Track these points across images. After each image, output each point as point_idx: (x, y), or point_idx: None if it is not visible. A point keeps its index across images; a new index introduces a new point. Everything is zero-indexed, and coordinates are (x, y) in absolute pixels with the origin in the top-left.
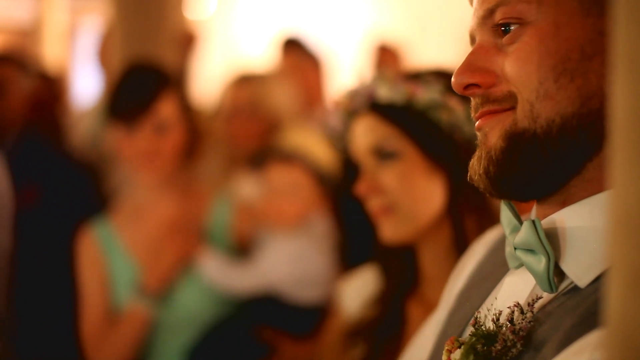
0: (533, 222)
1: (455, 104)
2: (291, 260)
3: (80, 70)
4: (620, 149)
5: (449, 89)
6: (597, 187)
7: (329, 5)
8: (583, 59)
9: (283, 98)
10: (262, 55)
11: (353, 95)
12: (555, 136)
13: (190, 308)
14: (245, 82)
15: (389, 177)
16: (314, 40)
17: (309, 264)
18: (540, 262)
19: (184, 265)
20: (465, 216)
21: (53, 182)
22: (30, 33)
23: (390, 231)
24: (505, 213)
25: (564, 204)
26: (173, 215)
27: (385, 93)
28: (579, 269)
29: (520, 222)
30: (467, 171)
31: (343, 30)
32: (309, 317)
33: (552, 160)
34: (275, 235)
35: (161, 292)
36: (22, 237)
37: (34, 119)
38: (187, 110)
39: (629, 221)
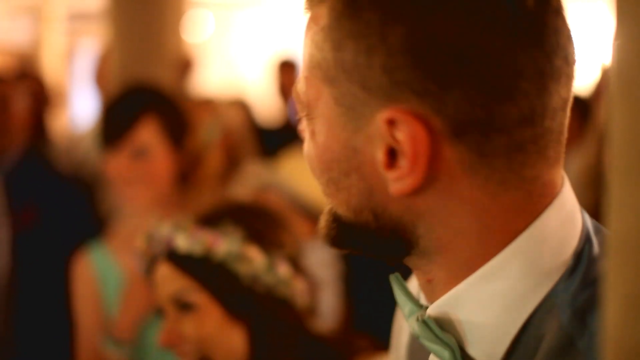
0: (425, 322)
1: (254, 254)
2: None
3: (79, 92)
4: (618, 172)
5: (248, 236)
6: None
7: None
8: (347, 173)
9: None
10: (259, 77)
11: (150, 240)
12: (372, 226)
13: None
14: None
15: (188, 328)
16: None
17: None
18: (444, 351)
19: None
20: None
21: (51, 204)
22: (29, 55)
23: None
24: (397, 293)
25: (440, 253)
26: None
27: (183, 243)
28: (488, 348)
29: (416, 302)
30: (269, 321)
31: None
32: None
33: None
34: None
35: (133, 337)
36: (20, 259)
37: (32, 139)
38: (175, 133)
39: (626, 241)
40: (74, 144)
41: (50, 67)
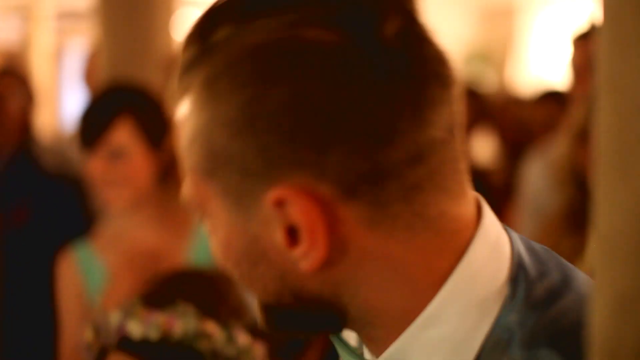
0: None
1: (212, 328)
2: None
3: (68, 91)
4: (605, 171)
5: (202, 311)
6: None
7: None
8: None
9: None
10: None
11: (97, 331)
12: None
13: None
14: None
15: None
16: None
17: None
18: None
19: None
20: None
21: (42, 203)
22: (18, 54)
23: None
24: (341, 351)
25: (372, 314)
26: (153, 244)
27: (137, 329)
28: None
29: (360, 358)
30: None
31: None
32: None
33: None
34: None
35: None
36: (10, 257)
37: (20, 138)
38: (153, 133)
39: (613, 242)
40: (62, 143)
41: (39, 66)
